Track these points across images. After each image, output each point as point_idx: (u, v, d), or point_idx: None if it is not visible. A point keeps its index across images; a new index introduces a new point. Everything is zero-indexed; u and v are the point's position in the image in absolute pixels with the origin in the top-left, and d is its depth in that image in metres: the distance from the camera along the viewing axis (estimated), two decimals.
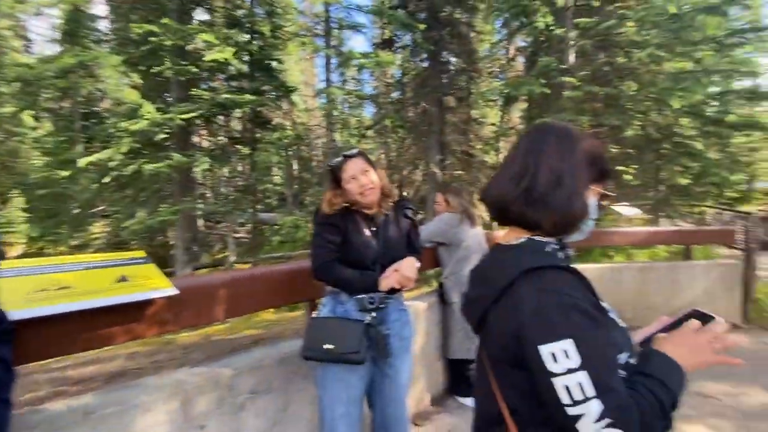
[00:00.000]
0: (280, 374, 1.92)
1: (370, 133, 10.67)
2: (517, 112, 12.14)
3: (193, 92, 5.60)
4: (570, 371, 0.71)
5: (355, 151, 1.82)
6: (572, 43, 5.91)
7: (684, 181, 6.95)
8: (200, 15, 8.21)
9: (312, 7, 6.94)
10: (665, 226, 7.69)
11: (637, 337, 0.96)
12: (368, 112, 13.93)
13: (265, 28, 6.42)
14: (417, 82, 9.18)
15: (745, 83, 7.26)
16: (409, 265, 1.73)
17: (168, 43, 5.26)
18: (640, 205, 9.78)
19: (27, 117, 15.03)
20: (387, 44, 8.93)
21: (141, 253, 1.84)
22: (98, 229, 8.84)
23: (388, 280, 1.70)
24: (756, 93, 5.81)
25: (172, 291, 1.57)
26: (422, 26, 6.54)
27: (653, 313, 4.23)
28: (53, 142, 13.01)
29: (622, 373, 0.81)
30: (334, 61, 7.82)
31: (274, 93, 6.58)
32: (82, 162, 5.13)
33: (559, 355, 0.72)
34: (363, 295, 1.73)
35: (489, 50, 10.86)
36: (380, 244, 1.79)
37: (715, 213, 10.04)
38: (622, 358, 0.81)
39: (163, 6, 6.64)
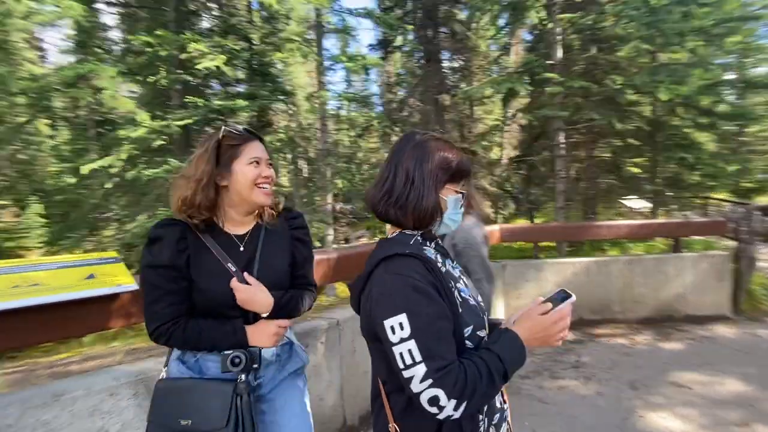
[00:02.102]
0: None
1: (374, 133, 10.82)
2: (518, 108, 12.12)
3: (187, 99, 5.85)
4: (402, 340, 0.84)
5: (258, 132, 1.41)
6: (559, 38, 5.93)
7: (678, 173, 6.89)
8: (205, 23, 8.52)
9: (308, 12, 7.09)
10: (664, 218, 7.66)
11: (514, 316, 1.06)
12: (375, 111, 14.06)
13: (255, 35, 6.63)
14: (414, 81, 9.29)
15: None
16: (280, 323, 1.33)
17: (163, 53, 5.51)
18: (645, 197, 9.70)
19: (42, 126, 15.67)
20: (383, 45, 9.07)
21: (113, 254, 2.03)
22: (110, 232, 9.22)
23: (256, 333, 1.30)
24: (749, 82, 5.73)
25: (134, 286, 1.75)
26: (410, 27, 6.64)
27: (640, 306, 4.31)
28: (69, 150, 13.55)
29: (469, 344, 0.94)
30: (339, 65, 8.02)
31: (271, 97, 6.76)
32: (84, 169, 5.44)
33: (396, 328, 0.85)
34: (229, 351, 1.28)
35: (492, 46, 10.90)
36: (254, 278, 1.31)
37: (719, 204, 9.89)
38: (468, 331, 0.93)
39: (163, 17, 6.92)
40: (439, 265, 0.99)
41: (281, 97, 7.93)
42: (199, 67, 5.67)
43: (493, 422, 0.99)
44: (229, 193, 1.31)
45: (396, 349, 0.85)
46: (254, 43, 6.54)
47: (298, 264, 1.46)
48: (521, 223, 10.37)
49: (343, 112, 16.19)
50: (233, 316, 1.30)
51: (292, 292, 1.41)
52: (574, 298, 1.02)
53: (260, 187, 1.30)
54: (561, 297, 1.01)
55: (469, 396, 0.82)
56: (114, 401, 1.70)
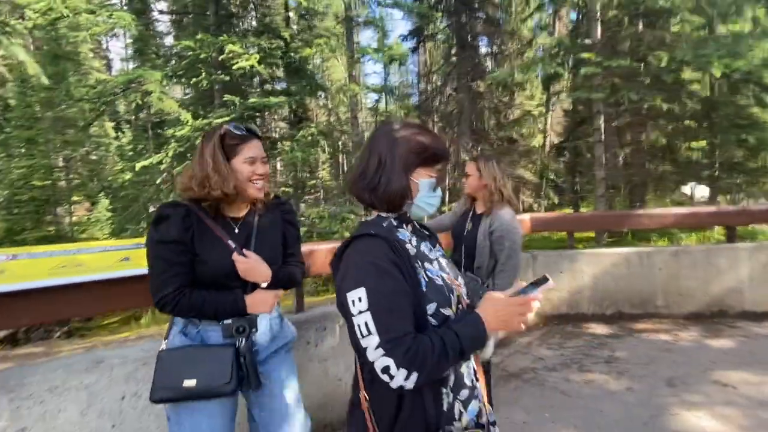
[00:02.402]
0: None
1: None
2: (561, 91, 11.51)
3: (225, 98, 6.20)
4: (360, 312, 0.89)
5: (258, 132, 1.52)
6: (598, 14, 5.51)
7: (739, 156, 6.21)
8: (244, 24, 8.93)
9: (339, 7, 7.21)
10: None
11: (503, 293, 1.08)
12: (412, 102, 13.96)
13: (287, 33, 6.83)
14: (448, 69, 9.13)
15: None
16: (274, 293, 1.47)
17: (203, 55, 5.88)
18: (703, 183, 8.90)
19: (108, 128, 17.23)
20: (415, 34, 8.98)
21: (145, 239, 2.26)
22: None
23: (255, 301, 1.44)
24: None
25: None
26: (438, 14, 6.52)
27: (687, 300, 4.07)
28: (131, 149, 14.83)
29: (433, 320, 0.97)
30: (367, 58, 8.08)
31: (304, 93, 6.98)
32: (137, 166, 5.97)
33: (356, 301, 0.90)
34: (229, 321, 1.41)
35: (537, 28, 10.41)
36: (252, 253, 1.45)
37: None
38: (432, 308, 0.97)
39: (205, 21, 7.35)
40: (410, 246, 1.03)
41: (316, 92, 8.15)
42: (235, 67, 5.98)
43: (460, 398, 1.00)
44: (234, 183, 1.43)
45: (355, 320, 0.91)
46: (286, 40, 6.75)
47: (288, 243, 1.61)
48: (555, 212, 9.91)
49: (382, 105, 16.27)
50: (233, 287, 1.43)
51: (286, 267, 1.55)
52: (551, 283, 1.02)
53: (254, 183, 1.44)
54: (541, 282, 1.02)
55: (418, 367, 0.86)
56: (146, 370, 1.91)
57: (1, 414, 1.56)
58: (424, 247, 1.09)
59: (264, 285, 1.47)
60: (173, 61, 7.34)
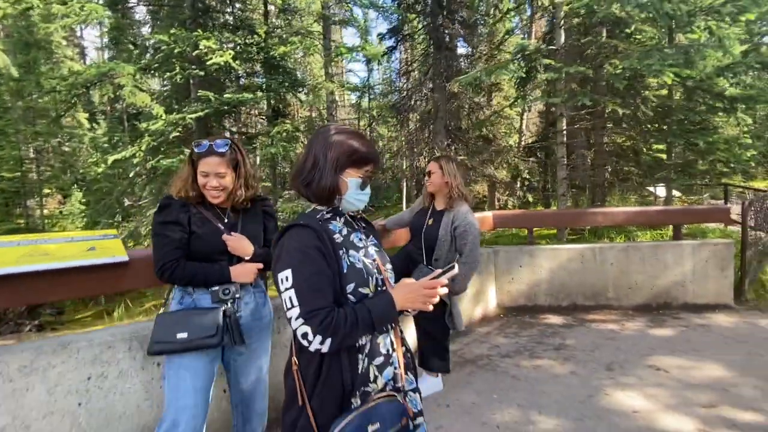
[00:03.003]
0: None
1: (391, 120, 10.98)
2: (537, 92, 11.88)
3: (200, 93, 6.24)
4: (287, 289, 1.07)
5: (223, 147, 1.73)
6: (562, 22, 5.80)
7: (692, 159, 6.64)
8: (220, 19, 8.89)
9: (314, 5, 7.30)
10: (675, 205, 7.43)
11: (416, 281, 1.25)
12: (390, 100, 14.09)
13: (262, 30, 6.90)
14: (424, 69, 9.33)
15: None
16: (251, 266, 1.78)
17: (178, 50, 5.90)
18: (660, 185, 9.39)
19: (82, 119, 16.79)
20: (393, 34, 9.14)
21: (113, 231, 2.38)
22: (140, 217, 9.94)
23: (238, 271, 1.75)
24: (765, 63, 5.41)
25: (125, 258, 2.08)
26: (412, 16, 6.70)
27: (636, 293, 4.40)
28: (106, 142, 14.50)
29: (352, 297, 1.15)
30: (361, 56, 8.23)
31: (280, 89, 7.05)
32: (109, 159, 5.96)
33: (284, 279, 1.08)
34: (216, 287, 1.73)
35: (517, 30, 10.68)
36: (238, 234, 1.80)
37: (744, 191, 9.44)
38: (350, 287, 1.14)
39: (182, 14, 7.32)
40: (339, 235, 1.19)
41: (295, 88, 8.23)
42: (209, 62, 6.02)
43: (375, 363, 1.16)
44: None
45: (283, 296, 1.09)
46: (260, 37, 6.81)
47: (268, 230, 1.95)
48: (515, 210, 10.28)
49: (363, 101, 16.38)
50: (221, 260, 1.76)
51: (264, 248, 1.87)
52: (456, 270, 1.23)
53: (209, 191, 1.74)
54: (449, 269, 1.22)
55: (331, 334, 1.03)
56: (111, 353, 2.05)
57: None
58: (354, 237, 1.24)
59: (247, 259, 1.78)
60: (148, 54, 7.30)
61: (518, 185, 13.37)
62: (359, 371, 1.13)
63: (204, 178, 1.71)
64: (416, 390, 1.29)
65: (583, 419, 2.73)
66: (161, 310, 1.78)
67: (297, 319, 1.05)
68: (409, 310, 1.23)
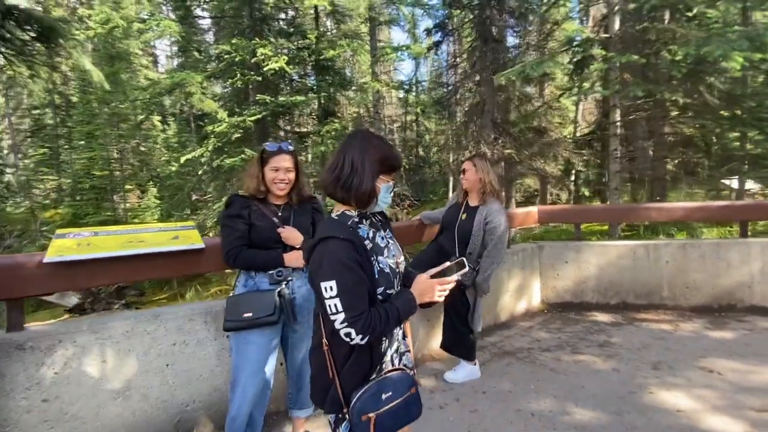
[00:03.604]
0: None
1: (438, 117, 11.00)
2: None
3: (258, 97, 6.76)
4: (331, 297, 1.22)
5: (289, 147, 2.12)
6: (616, 9, 5.47)
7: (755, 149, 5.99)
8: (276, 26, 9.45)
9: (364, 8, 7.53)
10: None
11: (429, 272, 1.45)
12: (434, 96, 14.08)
13: (312, 35, 7.27)
14: (471, 63, 9.24)
15: None
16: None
17: (238, 58, 6.45)
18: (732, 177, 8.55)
19: (156, 122, 18.58)
20: (439, 29, 9.15)
21: (191, 223, 2.80)
22: (206, 210, 10.93)
23: (290, 257, 2.05)
24: None
25: (201, 246, 2.46)
26: (456, 12, 6.70)
27: (694, 293, 4.30)
28: (176, 142, 15.98)
29: (381, 297, 1.35)
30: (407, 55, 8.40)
31: (330, 90, 7.40)
32: (182, 159, 6.68)
33: (328, 289, 1.22)
34: (272, 271, 2.04)
35: (574, 12, 10.13)
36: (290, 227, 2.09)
37: None
38: (380, 290, 1.32)
39: (241, 24, 7.94)
40: (368, 241, 1.33)
41: (344, 87, 8.58)
42: (266, 68, 6.50)
43: (391, 348, 1.40)
44: (266, 183, 2.09)
45: (327, 302, 1.23)
46: (311, 41, 7.20)
47: (315, 225, 2.21)
48: (562, 205, 9.83)
49: (409, 97, 16.48)
50: (276, 248, 2.05)
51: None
52: (466, 269, 1.42)
53: (276, 184, 2.06)
54: (461, 266, 1.41)
55: (370, 333, 1.23)
56: (191, 324, 2.45)
57: (89, 348, 2.14)
58: (378, 237, 1.39)
59: (297, 247, 2.07)
60: (213, 63, 8.02)
61: (572, 179, 12.79)
62: (379, 354, 1.34)
63: (274, 173, 2.03)
64: (409, 351, 1.53)
65: (622, 414, 2.73)
66: (231, 293, 2.08)
67: (342, 323, 1.22)
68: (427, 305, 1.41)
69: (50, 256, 2.03)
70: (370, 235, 1.36)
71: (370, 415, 1.24)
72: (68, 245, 2.13)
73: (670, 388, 3.06)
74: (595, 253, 4.84)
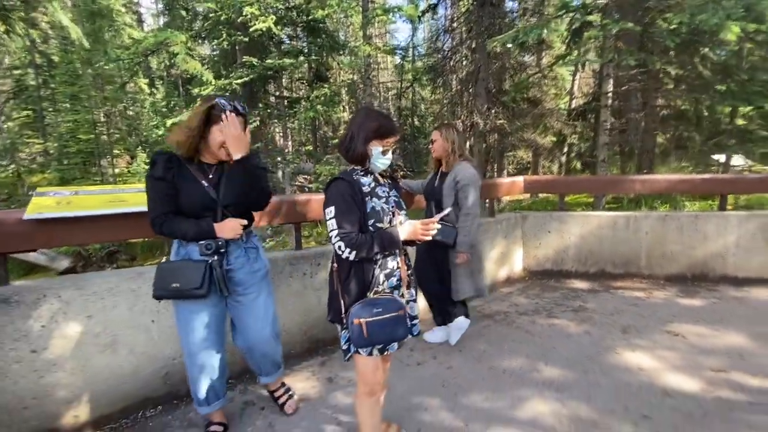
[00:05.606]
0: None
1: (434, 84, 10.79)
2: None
3: (245, 59, 6.55)
4: (330, 218, 1.63)
5: (245, 108, 1.89)
6: None
7: (746, 124, 6.01)
8: None
9: None
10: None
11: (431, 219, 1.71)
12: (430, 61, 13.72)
13: None
14: (467, 27, 8.96)
15: None
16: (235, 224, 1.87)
17: (224, 17, 6.18)
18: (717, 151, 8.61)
19: (142, 85, 17.98)
20: None
21: None
22: None
23: (222, 228, 1.85)
24: None
25: None
26: None
27: (670, 263, 4.42)
28: (164, 106, 15.55)
29: (372, 229, 1.66)
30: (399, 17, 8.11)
31: (321, 53, 7.18)
32: (168, 123, 6.55)
33: (329, 212, 1.63)
34: (201, 242, 1.85)
35: None
36: (220, 193, 1.87)
37: None
38: (370, 223, 1.66)
39: None
40: (366, 187, 1.70)
41: (335, 50, 8.32)
42: (252, 29, 6.27)
43: (383, 273, 1.70)
44: (206, 143, 1.85)
45: (328, 223, 1.64)
46: (300, 1, 6.91)
47: (255, 181, 1.95)
48: (548, 175, 9.90)
49: (403, 63, 16.02)
50: (206, 216, 1.86)
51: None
52: (447, 211, 1.84)
53: (222, 149, 1.84)
54: (443, 214, 1.77)
55: (356, 250, 1.58)
56: None
57: (74, 303, 2.20)
58: (379, 189, 1.74)
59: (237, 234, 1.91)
60: (198, 21, 7.69)
61: (564, 151, 12.78)
62: (372, 276, 1.67)
63: (221, 135, 1.78)
64: (415, 301, 1.85)
65: (588, 372, 2.90)
66: (164, 259, 2.04)
67: (336, 236, 1.60)
68: (417, 242, 1.73)
69: (30, 213, 2.05)
70: (372, 185, 1.72)
71: (362, 320, 1.53)
72: (48, 203, 2.15)
73: (636, 349, 3.23)
74: (577, 223, 4.94)
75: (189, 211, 1.84)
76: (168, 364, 2.49)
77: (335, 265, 1.71)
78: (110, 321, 2.30)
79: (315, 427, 2.29)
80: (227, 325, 2.17)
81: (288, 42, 7.88)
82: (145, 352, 2.41)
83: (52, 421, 2.16)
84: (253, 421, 2.36)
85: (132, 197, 2.43)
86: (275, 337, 2.18)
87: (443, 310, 3.33)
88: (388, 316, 1.55)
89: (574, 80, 13.78)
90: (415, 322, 1.83)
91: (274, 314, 2.16)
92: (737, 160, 12.51)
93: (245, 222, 1.94)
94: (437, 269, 3.15)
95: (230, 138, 1.76)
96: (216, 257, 1.87)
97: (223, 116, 1.75)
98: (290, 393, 2.46)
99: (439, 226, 1.65)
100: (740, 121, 6.97)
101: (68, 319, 2.17)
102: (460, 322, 3.29)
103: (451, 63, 8.95)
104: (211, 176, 1.89)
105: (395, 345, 1.73)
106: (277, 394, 2.42)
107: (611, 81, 6.02)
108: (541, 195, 10.80)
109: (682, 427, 2.27)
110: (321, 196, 3.41)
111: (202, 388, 2.03)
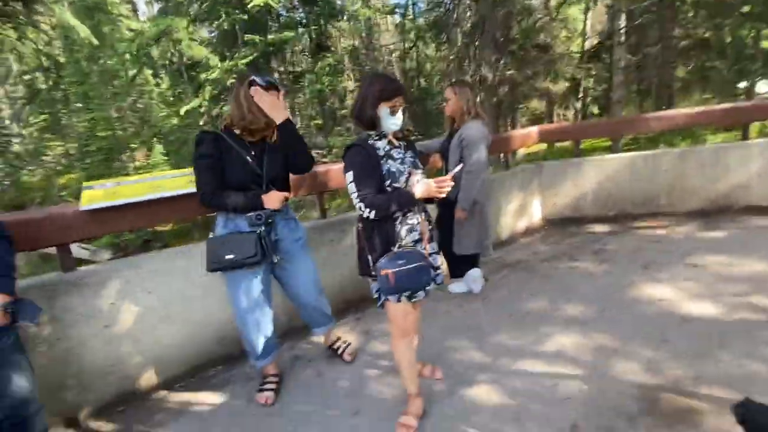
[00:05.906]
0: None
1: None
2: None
3: (247, 38, 6.53)
4: (350, 181, 1.76)
5: (277, 83, 2.09)
6: None
7: None
8: None
9: None
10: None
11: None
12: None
13: None
14: None
15: None
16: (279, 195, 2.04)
17: None
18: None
19: (147, 75, 18.05)
20: None
21: None
22: None
23: (269, 199, 2.01)
24: None
25: None
26: None
27: (692, 198, 4.45)
28: (171, 95, 15.68)
29: (389, 189, 1.79)
30: None
31: (320, 22, 7.06)
32: (182, 111, 6.70)
33: (349, 176, 1.77)
34: (251, 213, 2.00)
35: None
36: (264, 168, 2.04)
37: None
38: (387, 183, 1.80)
39: None
40: (381, 151, 1.81)
41: (334, 17, 8.15)
42: (251, 5, 6.21)
43: (405, 228, 1.83)
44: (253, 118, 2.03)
45: (348, 186, 1.78)
46: None
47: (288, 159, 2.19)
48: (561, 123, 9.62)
49: (404, 21, 15.46)
50: (253, 189, 2.03)
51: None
52: (458, 168, 1.91)
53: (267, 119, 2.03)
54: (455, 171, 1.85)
55: (375, 209, 1.72)
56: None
57: (134, 281, 2.46)
58: (394, 152, 1.85)
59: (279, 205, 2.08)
60: (195, 5, 7.65)
61: (579, 96, 12.36)
62: (395, 232, 1.81)
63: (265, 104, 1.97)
64: (438, 253, 2.02)
65: (608, 308, 3.03)
66: (210, 235, 2.09)
67: (356, 198, 1.74)
68: (435, 199, 1.85)
69: (84, 204, 2.28)
70: (387, 148, 1.83)
71: (389, 271, 1.69)
72: (98, 195, 2.37)
73: (655, 282, 3.31)
74: (594, 168, 4.93)
75: (236, 185, 1.99)
76: (221, 329, 2.78)
77: (360, 224, 1.85)
78: (167, 295, 2.56)
79: (359, 372, 2.56)
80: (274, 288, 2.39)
81: (286, 15, 7.76)
82: (201, 321, 2.69)
83: (131, 383, 2.49)
84: (304, 371, 2.64)
85: (169, 183, 2.62)
86: (320, 292, 2.46)
87: (455, 265, 3.50)
88: (411, 266, 1.69)
89: (585, 20, 13.09)
90: (438, 272, 1.97)
91: (315, 274, 2.41)
92: (762, 87, 11.81)
93: (289, 194, 2.14)
94: (446, 225, 3.30)
95: (268, 106, 1.95)
96: (263, 228, 2.02)
97: (255, 90, 1.94)
98: (348, 343, 2.71)
99: (452, 183, 1.75)
100: (765, 44, 6.57)
101: (132, 295, 2.44)
102: (474, 273, 3.46)
103: (454, 16, 8.63)
104: (254, 153, 2.06)
105: (421, 293, 1.85)
106: (335, 346, 2.68)
107: (623, 16, 5.73)
108: (557, 144, 10.60)
109: (700, 348, 2.41)
110: (339, 165, 3.57)
111: (259, 344, 2.28)
